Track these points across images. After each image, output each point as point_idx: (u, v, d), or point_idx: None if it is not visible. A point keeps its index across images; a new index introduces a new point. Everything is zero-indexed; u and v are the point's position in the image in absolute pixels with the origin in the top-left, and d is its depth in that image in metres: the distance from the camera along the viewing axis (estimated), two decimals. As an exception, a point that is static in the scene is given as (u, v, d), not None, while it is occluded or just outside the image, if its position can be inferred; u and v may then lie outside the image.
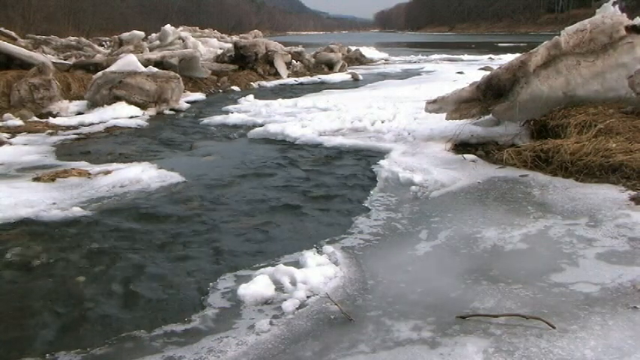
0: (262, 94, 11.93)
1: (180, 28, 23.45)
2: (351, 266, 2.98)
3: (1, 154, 5.95)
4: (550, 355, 2.07)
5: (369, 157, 5.56)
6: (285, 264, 2.97)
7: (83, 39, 24.50)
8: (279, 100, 9.89)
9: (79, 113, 8.80)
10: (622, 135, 4.46)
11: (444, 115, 5.77)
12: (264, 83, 13.96)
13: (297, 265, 2.97)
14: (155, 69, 9.75)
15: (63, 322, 2.56)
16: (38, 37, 23.67)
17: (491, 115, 5.59)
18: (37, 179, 4.79)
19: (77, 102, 9.33)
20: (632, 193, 3.66)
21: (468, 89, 5.69)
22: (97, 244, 3.47)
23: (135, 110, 8.75)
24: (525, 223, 3.38)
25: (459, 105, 5.64)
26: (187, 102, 10.22)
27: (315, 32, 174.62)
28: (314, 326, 2.41)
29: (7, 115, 7.98)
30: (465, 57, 24.13)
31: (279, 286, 2.76)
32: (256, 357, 2.21)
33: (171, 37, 16.38)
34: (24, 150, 6.29)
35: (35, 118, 8.24)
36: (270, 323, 2.44)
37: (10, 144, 6.57)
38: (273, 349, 2.25)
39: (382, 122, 6.80)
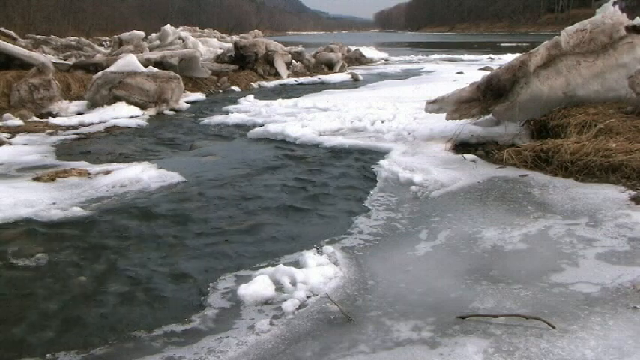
0: (262, 94, 11.93)
1: (180, 28, 23.50)
2: (351, 266, 2.98)
3: (1, 154, 5.95)
4: (550, 355, 2.07)
5: (369, 157, 5.56)
6: (285, 264, 2.97)
7: (83, 39, 24.54)
8: (279, 100, 9.88)
9: (79, 113, 8.80)
10: (622, 135, 4.46)
11: (444, 115, 5.77)
12: (264, 83, 13.96)
13: (297, 265, 2.97)
14: (155, 69, 9.75)
15: (63, 322, 2.56)
16: (38, 37, 23.71)
17: (491, 115, 5.59)
18: (37, 179, 4.79)
19: (77, 102, 9.33)
20: (632, 193, 3.66)
21: (468, 89, 5.69)
22: (97, 244, 3.47)
23: (135, 110, 8.75)
24: (525, 223, 3.38)
25: (459, 105, 5.64)
26: (187, 102, 10.21)
27: (315, 32, 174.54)
28: (314, 326, 2.41)
29: (7, 115, 7.98)
30: (465, 57, 24.15)
31: (279, 286, 2.75)
32: (256, 357, 2.21)
33: (171, 37, 16.39)
34: (24, 150, 6.29)
35: (35, 118, 8.24)
36: (270, 323, 2.44)
37: (10, 144, 6.57)
38: (273, 349, 2.25)
39: (382, 122, 6.80)
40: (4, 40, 11.04)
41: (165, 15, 73.47)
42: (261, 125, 7.34)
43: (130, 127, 7.88)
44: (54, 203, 4.15)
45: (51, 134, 7.31)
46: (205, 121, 8.29)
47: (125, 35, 16.22)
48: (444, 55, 25.76)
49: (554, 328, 2.23)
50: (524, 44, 31.81)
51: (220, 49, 18.24)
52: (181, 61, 11.75)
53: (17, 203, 4.09)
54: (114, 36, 21.58)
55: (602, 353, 2.06)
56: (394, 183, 4.51)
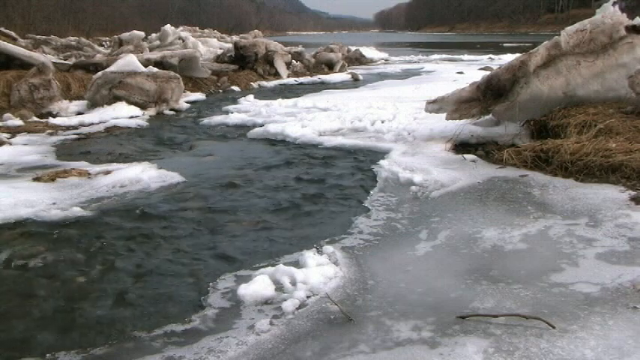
0: (262, 94, 11.93)
1: (180, 28, 23.51)
2: (351, 266, 2.98)
3: (1, 154, 5.94)
4: (550, 355, 2.07)
5: (369, 157, 5.56)
6: (285, 264, 2.97)
7: (83, 39, 24.55)
8: (279, 100, 9.88)
9: (79, 113, 8.80)
10: (622, 135, 4.46)
11: (444, 115, 5.77)
12: (264, 83, 13.96)
13: (297, 265, 2.97)
14: (155, 69, 9.75)
15: (63, 322, 2.56)
16: (38, 37, 23.72)
17: (491, 115, 5.59)
18: (37, 179, 4.79)
19: (77, 102, 9.33)
20: (632, 193, 3.66)
21: (468, 89, 5.70)
22: (96, 244, 3.47)
23: (135, 110, 8.75)
24: (525, 223, 3.38)
25: (459, 105, 5.64)
26: (187, 102, 10.21)
27: (315, 32, 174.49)
28: (314, 326, 2.41)
29: (7, 115, 7.98)
30: (465, 57, 24.14)
31: (279, 286, 2.75)
32: (256, 357, 2.21)
33: (171, 37, 16.39)
34: (24, 150, 6.29)
35: (35, 118, 8.24)
36: (270, 323, 2.44)
37: (10, 144, 6.57)
38: (273, 349, 2.25)
39: (382, 122, 6.80)
40: (4, 40, 11.04)
41: (165, 15, 73.49)
42: (261, 125, 7.34)
43: (130, 127, 7.88)
44: (54, 203, 4.15)
45: (51, 134, 7.31)
46: (205, 121, 8.29)
47: (125, 35, 16.22)
48: (444, 55, 25.75)
49: (554, 328, 2.23)
50: (527, 44, 31.76)
51: (220, 49, 18.25)
52: (181, 61, 11.75)
53: (17, 203, 4.09)
54: (114, 36, 21.58)
55: (602, 353, 2.06)
56: (394, 183, 4.51)
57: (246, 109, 9.13)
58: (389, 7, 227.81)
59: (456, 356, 2.10)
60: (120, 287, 2.89)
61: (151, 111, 8.99)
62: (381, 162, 5.08)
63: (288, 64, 15.72)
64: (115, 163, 5.46)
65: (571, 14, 69.41)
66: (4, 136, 6.87)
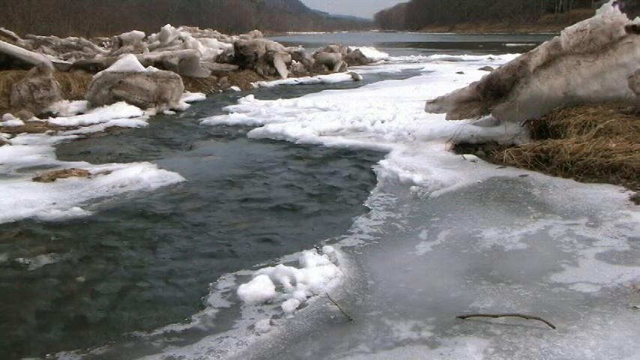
0: (262, 94, 11.93)
1: (180, 28, 23.51)
2: (351, 266, 2.98)
3: (1, 154, 5.95)
4: (550, 355, 2.07)
5: (369, 157, 5.56)
6: (285, 264, 2.97)
7: (83, 39, 24.56)
8: (279, 100, 9.88)
9: (79, 113, 8.80)
10: (622, 135, 4.46)
11: (444, 115, 5.77)
12: (264, 83, 13.96)
13: (297, 265, 2.97)
14: (155, 69, 9.75)
15: (63, 322, 2.56)
16: (38, 37, 23.72)
17: (491, 115, 5.59)
18: (37, 179, 4.79)
19: (77, 102, 9.33)
20: (632, 193, 3.66)
21: (468, 89, 5.69)
22: (97, 244, 3.47)
23: (135, 110, 8.75)
24: (525, 223, 3.38)
25: (459, 105, 5.64)
26: (187, 102, 10.21)
27: (315, 32, 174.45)
28: (314, 326, 2.41)
29: (7, 115, 7.98)
30: (465, 57, 24.13)
31: (279, 286, 2.75)
32: (256, 357, 2.21)
33: (171, 37, 16.39)
34: (24, 150, 6.29)
35: (35, 118, 8.24)
36: (270, 323, 2.44)
37: (10, 144, 6.57)
38: (273, 349, 2.25)
39: (382, 122, 6.80)
40: (4, 40, 11.04)
41: (165, 15, 73.50)
42: (261, 125, 7.34)
43: (130, 127, 7.88)
44: (54, 203, 4.15)
45: (51, 134, 7.31)
46: (205, 121, 8.29)
47: (125, 35, 16.22)
48: (444, 55, 25.75)
49: (554, 328, 2.23)
50: (530, 44, 31.74)
51: (220, 49, 18.25)
52: (181, 61, 11.75)
53: (17, 203, 4.09)
54: (114, 36, 21.58)
55: (602, 353, 2.06)
56: (394, 183, 4.51)
57: (246, 109, 9.13)
58: (389, 7, 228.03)
59: (456, 356, 2.10)
60: (120, 287, 2.89)
61: (151, 111, 8.99)
62: (381, 162, 5.09)
63: (288, 64, 15.72)
64: (115, 163, 5.46)
65: (571, 14, 69.42)
66: (4, 136, 6.87)
